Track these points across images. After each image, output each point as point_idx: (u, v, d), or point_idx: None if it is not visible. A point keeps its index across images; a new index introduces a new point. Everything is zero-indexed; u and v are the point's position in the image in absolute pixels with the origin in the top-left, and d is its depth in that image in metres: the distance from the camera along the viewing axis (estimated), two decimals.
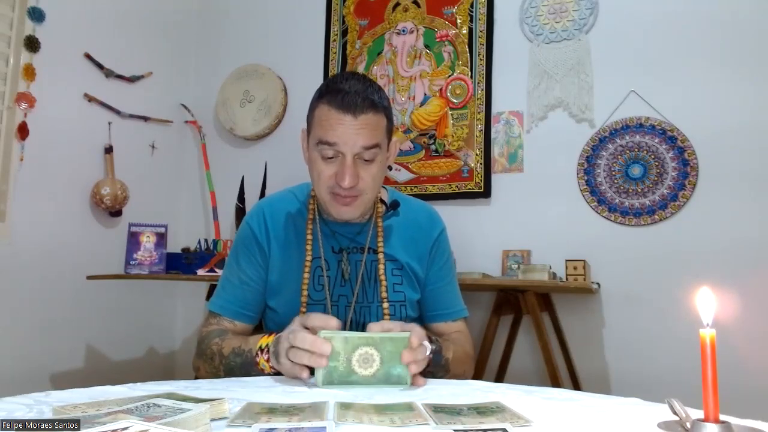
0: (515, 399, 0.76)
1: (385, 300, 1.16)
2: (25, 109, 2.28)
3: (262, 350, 1.00)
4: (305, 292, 1.16)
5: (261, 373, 0.99)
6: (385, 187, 1.30)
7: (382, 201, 1.25)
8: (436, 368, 1.04)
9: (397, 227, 1.24)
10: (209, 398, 0.69)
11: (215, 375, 1.10)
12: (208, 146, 2.98)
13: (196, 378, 1.14)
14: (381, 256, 1.19)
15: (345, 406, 0.69)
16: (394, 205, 1.25)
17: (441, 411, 0.66)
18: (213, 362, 1.10)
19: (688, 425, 0.56)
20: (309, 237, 1.19)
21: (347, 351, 0.85)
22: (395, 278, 1.20)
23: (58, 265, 2.40)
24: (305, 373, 0.88)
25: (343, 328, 1.14)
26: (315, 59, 2.81)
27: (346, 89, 1.07)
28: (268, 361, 0.97)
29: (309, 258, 1.17)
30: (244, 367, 1.03)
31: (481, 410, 0.67)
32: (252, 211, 1.27)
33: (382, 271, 1.18)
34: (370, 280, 1.19)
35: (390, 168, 1.06)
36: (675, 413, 0.59)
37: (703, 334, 0.54)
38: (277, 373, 0.97)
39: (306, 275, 1.16)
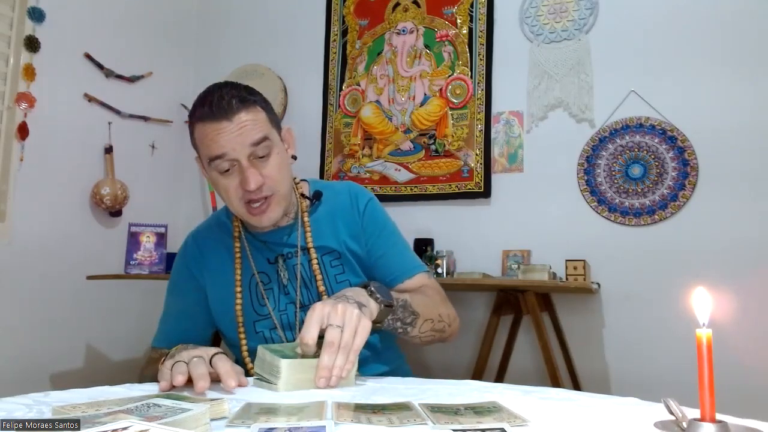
0: (513, 399, 0.76)
1: (324, 294, 1.15)
2: (25, 109, 2.28)
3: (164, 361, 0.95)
4: (239, 311, 1.16)
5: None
6: (305, 180, 1.28)
7: (303, 195, 1.23)
8: (401, 312, 1.01)
9: (325, 216, 1.21)
10: (209, 398, 0.69)
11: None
12: None
13: None
14: (312, 251, 1.17)
15: (344, 406, 0.69)
16: (317, 196, 1.22)
17: (438, 411, 0.66)
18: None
19: (685, 425, 0.56)
20: (238, 255, 1.18)
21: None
22: (335, 269, 1.18)
23: (58, 265, 2.41)
24: (163, 384, 0.83)
25: (296, 331, 1.15)
26: (315, 59, 2.82)
27: (210, 100, 1.05)
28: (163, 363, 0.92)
29: (239, 276, 1.17)
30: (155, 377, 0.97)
31: (478, 410, 0.67)
32: (183, 244, 1.28)
33: (315, 267, 1.16)
34: (311, 280, 1.17)
35: (295, 158, 1.02)
36: (671, 413, 0.59)
37: (699, 334, 0.55)
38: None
39: (238, 294, 1.16)
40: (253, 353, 1.15)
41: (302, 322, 1.14)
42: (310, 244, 1.17)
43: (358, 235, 1.21)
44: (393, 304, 0.99)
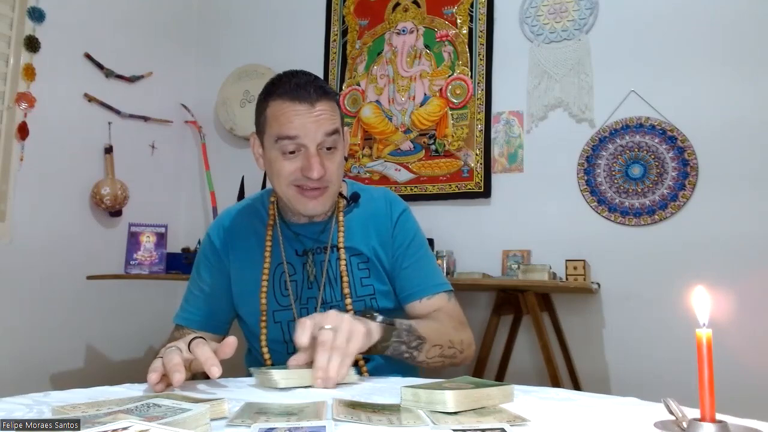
0: (513, 399, 0.76)
1: (348, 296, 1.15)
2: (25, 109, 2.28)
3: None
4: (263, 300, 1.15)
5: None
6: (344, 180, 1.29)
7: (341, 195, 1.23)
8: (405, 335, 0.99)
9: (359, 219, 1.22)
10: (209, 398, 0.69)
11: None
12: (208, 146, 2.98)
13: None
14: (342, 252, 1.17)
15: (344, 406, 0.69)
16: (354, 198, 1.23)
17: (438, 411, 0.66)
18: None
19: (685, 425, 0.56)
20: (268, 243, 1.18)
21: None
22: (361, 272, 1.18)
23: (58, 265, 2.41)
24: (157, 386, 0.81)
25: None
26: (315, 59, 2.81)
27: (295, 81, 1.07)
28: None
29: (267, 264, 1.17)
30: None
31: (477, 410, 0.67)
32: (213, 222, 1.28)
33: (343, 268, 1.16)
34: (336, 279, 1.17)
35: (346, 159, 1.03)
36: (671, 413, 0.59)
37: (699, 334, 0.55)
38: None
39: (264, 282, 1.16)
40: (272, 342, 1.17)
41: None
42: (341, 244, 1.18)
43: (387, 243, 1.21)
44: (394, 323, 0.98)
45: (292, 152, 1.07)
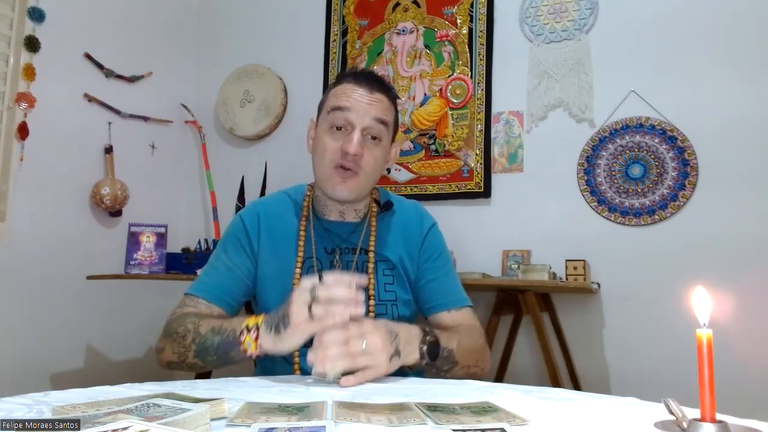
0: (513, 399, 0.76)
1: (372, 298, 1.16)
2: (25, 109, 2.28)
3: (249, 329, 0.95)
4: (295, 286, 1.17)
5: (242, 354, 0.94)
6: (378, 188, 1.32)
7: (376, 201, 1.27)
8: (440, 362, 1.02)
9: (389, 226, 1.25)
10: (209, 398, 0.69)
11: (183, 356, 1.04)
12: (208, 146, 2.98)
13: (159, 361, 1.10)
14: (371, 255, 1.20)
15: (343, 406, 0.69)
16: (387, 206, 1.26)
17: (436, 410, 0.66)
18: (184, 341, 1.03)
19: (685, 425, 0.56)
20: (302, 234, 1.20)
21: None
22: (386, 278, 1.21)
23: (58, 265, 2.41)
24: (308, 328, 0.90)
25: None
26: (315, 59, 2.82)
27: (363, 71, 1.19)
28: (256, 339, 0.93)
29: (301, 255, 1.19)
30: (222, 346, 0.98)
31: (474, 410, 0.67)
32: (246, 208, 1.28)
33: (370, 270, 1.18)
34: None
35: (388, 171, 1.10)
36: (671, 413, 0.59)
37: (699, 334, 0.55)
38: (263, 355, 0.94)
39: (298, 271, 1.17)
40: None
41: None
42: (372, 248, 1.20)
43: (414, 254, 1.24)
44: (439, 350, 1.01)
45: (339, 128, 1.15)
